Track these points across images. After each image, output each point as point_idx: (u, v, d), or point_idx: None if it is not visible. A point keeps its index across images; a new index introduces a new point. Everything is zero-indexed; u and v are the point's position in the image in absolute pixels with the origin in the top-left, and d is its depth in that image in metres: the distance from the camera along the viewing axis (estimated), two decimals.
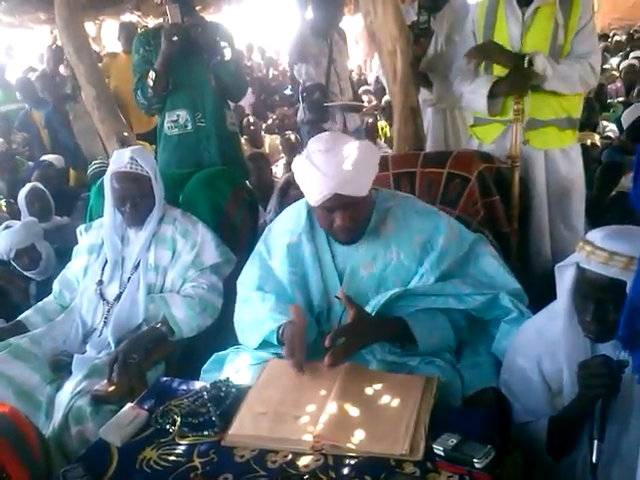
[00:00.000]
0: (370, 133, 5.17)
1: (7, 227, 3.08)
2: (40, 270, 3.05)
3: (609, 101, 6.17)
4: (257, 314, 1.86)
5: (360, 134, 3.96)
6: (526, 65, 2.30)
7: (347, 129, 4.02)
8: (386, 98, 5.56)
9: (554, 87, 2.36)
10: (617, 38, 9.73)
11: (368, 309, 1.74)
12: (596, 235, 1.48)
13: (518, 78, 2.33)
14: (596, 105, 5.09)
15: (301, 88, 3.89)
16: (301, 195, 1.88)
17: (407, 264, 1.81)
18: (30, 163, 4.62)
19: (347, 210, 1.74)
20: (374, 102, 6.55)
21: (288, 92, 8.09)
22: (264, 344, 1.84)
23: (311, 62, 3.76)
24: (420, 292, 1.78)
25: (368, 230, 1.83)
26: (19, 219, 3.67)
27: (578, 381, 1.46)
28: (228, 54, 2.74)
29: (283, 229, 1.96)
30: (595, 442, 1.42)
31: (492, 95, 2.40)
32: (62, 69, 5.76)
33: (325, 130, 4.09)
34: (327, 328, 1.82)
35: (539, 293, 2.32)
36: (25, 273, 3.07)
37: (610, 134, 5.03)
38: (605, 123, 5.25)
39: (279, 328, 1.76)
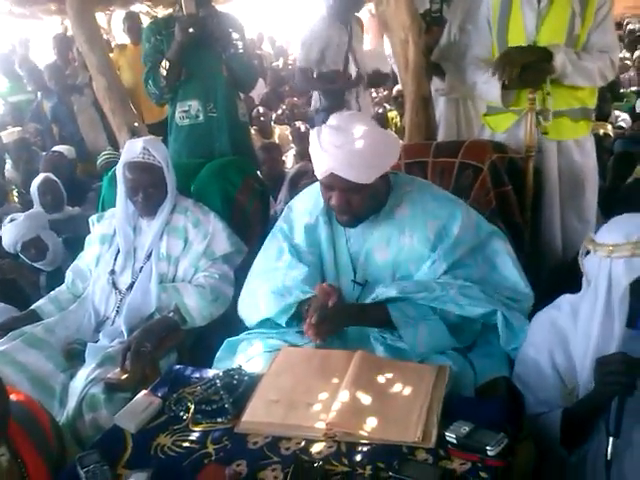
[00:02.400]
0: (380, 123, 5.14)
1: (12, 220, 3.07)
2: (48, 261, 3.06)
3: (622, 91, 6.10)
4: (283, 281, 1.84)
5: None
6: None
7: None
8: (397, 87, 5.53)
9: (573, 82, 2.33)
10: (630, 27, 9.61)
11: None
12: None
13: (534, 73, 2.30)
14: (608, 95, 5.04)
15: (316, 74, 3.86)
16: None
17: (420, 249, 1.79)
18: (44, 154, 4.63)
19: (344, 193, 1.72)
20: (385, 92, 6.52)
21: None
22: (265, 323, 1.86)
23: (330, 48, 3.74)
24: (418, 297, 1.74)
25: (383, 214, 1.82)
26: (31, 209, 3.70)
27: (595, 377, 1.44)
28: (240, 46, 2.74)
29: (303, 208, 1.95)
30: (610, 439, 1.40)
31: (506, 86, 2.37)
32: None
33: None
34: None
35: (550, 285, 2.32)
36: (34, 265, 3.07)
37: (622, 124, 4.98)
38: (617, 113, 5.20)
39: (303, 302, 1.77)
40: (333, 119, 1.74)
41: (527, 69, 2.29)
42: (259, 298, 1.90)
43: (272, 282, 1.87)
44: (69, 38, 5.83)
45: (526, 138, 2.37)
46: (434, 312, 1.74)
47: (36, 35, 8.21)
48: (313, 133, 1.73)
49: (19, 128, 5.04)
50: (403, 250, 1.80)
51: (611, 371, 1.40)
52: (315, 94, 4.16)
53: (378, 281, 1.80)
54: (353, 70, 3.80)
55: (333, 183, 1.72)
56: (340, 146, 1.67)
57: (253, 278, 1.99)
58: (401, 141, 3.77)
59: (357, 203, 1.75)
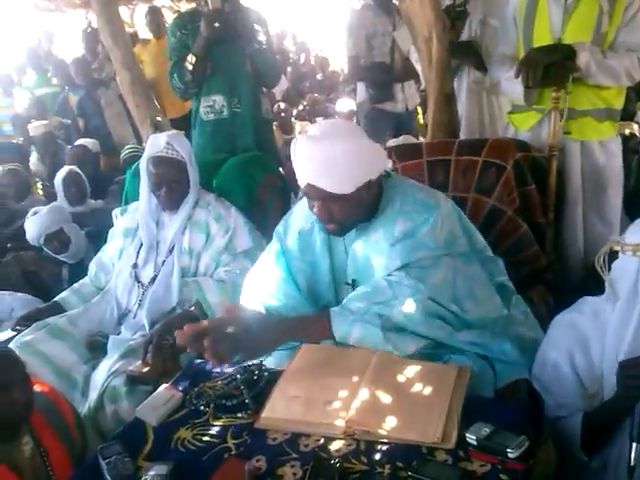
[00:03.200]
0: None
1: (35, 213, 3.11)
2: (71, 253, 3.09)
3: None
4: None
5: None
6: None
7: (408, 108, 3.94)
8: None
9: (598, 81, 2.29)
10: None
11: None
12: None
13: (557, 70, 2.26)
14: (632, 95, 4.95)
15: (363, 64, 3.81)
16: None
17: (382, 244, 1.73)
18: (68, 147, 4.68)
19: (324, 202, 1.67)
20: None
21: (319, 77, 8.05)
22: None
23: (376, 38, 3.70)
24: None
25: (377, 215, 1.77)
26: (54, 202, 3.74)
27: (617, 381, 1.43)
28: (264, 41, 2.74)
29: (300, 213, 1.93)
30: (634, 445, 1.37)
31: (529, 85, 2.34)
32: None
33: (385, 112, 4.04)
34: None
35: (572, 286, 2.29)
36: (57, 257, 3.11)
37: None
38: None
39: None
40: (313, 129, 1.69)
41: (550, 68, 2.26)
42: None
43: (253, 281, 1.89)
44: (97, 32, 5.88)
45: (549, 137, 2.34)
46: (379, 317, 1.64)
47: (61, 29, 8.30)
48: (292, 143, 1.70)
49: (46, 121, 5.09)
50: (371, 245, 1.75)
51: (634, 375, 1.39)
52: (360, 85, 4.10)
53: (361, 279, 1.77)
54: (398, 61, 3.76)
55: (312, 193, 1.68)
56: (311, 157, 1.63)
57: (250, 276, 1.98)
58: (423, 139, 3.75)
59: (339, 213, 1.69)
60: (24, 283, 3.05)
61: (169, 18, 6.17)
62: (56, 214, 3.11)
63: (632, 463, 1.38)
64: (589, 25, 2.30)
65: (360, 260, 1.79)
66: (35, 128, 4.94)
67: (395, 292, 1.63)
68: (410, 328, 1.63)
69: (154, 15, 5.52)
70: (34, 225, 3.06)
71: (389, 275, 1.68)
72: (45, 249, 3.11)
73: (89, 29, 5.90)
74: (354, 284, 1.80)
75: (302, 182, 1.68)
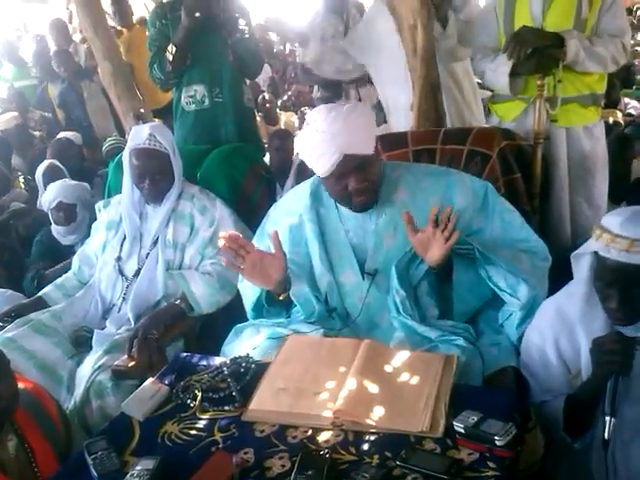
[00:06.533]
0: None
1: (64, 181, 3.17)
2: (68, 230, 3.05)
3: (638, 77, 6.02)
4: None
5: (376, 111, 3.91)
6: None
7: None
8: None
9: (586, 68, 2.31)
10: None
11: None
12: (613, 221, 1.44)
13: (545, 58, 2.27)
14: (616, 82, 4.98)
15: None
16: None
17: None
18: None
19: (359, 171, 1.75)
20: None
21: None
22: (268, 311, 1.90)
23: (327, 43, 3.71)
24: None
25: (381, 202, 1.83)
26: (37, 197, 3.70)
27: (591, 358, 1.45)
28: (246, 31, 2.71)
29: (287, 208, 1.98)
30: (607, 418, 1.41)
31: (514, 73, 2.34)
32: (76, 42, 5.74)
33: None
34: (337, 304, 1.84)
35: (558, 272, 2.30)
36: (53, 229, 3.10)
37: (632, 111, 4.93)
38: (627, 100, 5.14)
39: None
40: (317, 113, 1.80)
41: (537, 53, 2.26)
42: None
43: None
44: (64, 22, 5.81)
45: (535, 125, 2.35)
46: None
47: (41, 19, 8.18)
48: (307, 133, 1.77)
49: (15, 113, 5.01)
50: None
51: (606, 350, 1.41)
52: (315, 86, 4.16)
53: (387, 268, 1.79)
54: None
55: (347, 166, 1.73)
56: (343, 125, 1.71)
57: None
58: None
59: (372, 177, 1.79)
60: (6, 279, 3.02)
61: (152, 8, 6.07)
62: (80, 191, 3.13)
63: (606, 437, 1.41)
64: (569, 11, 2.31)
65: (388, 250, 1.82)
66: (6, 121, 4.86)
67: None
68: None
69: (119, 5, 5.32)
70: (55, 188, 3.07)
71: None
72: (50, 214, 3.10)
73: (55, 20, 5.80)
74: (376, 273, 1.83)
75: (334, 160, 1.72)
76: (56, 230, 3.08)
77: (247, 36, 2.75)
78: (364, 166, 1.75)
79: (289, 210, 1.96)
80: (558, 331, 1.60)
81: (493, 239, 1.81)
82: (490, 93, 2.80)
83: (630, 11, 9.39)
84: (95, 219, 2.52)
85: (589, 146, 2.46)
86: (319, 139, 1.73)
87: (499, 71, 2.37)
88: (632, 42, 6.92)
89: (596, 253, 1.47)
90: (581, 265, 1.54)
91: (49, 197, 3.07)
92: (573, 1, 2.30)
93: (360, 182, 1.76)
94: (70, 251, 2.87)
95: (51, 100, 5.25)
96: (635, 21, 8.79)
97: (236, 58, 2.76)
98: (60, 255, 2.95)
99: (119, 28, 5.22)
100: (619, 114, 4.34)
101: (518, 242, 1.82)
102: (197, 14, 2.64)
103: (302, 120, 5.08)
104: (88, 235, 2.54)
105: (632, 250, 1.38)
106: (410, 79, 2.67)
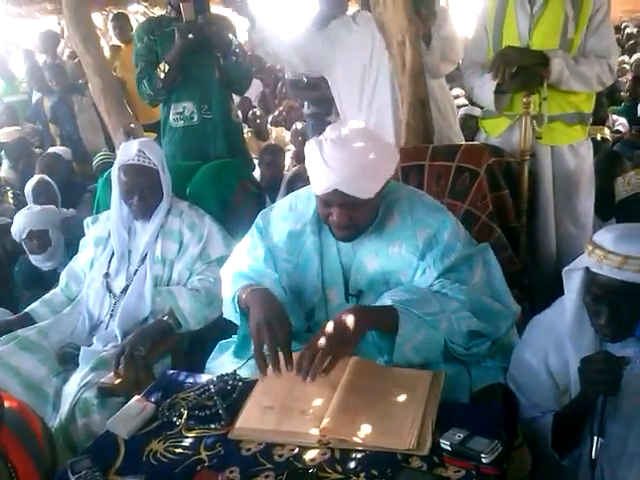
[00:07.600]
0: None
1: (29, 209, 3.13)
2: (45, 257, 3.05)
3: (622, 94, 6.10)
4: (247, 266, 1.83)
5: None
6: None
7: None
8: None
9: (570, 87, 2.33)
10: (628, 30, 9.62)
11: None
12: (606, 238, 1.44)
13: (529, 77, 2.29)
14: (604, 100, 5.03)
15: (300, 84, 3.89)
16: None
17: (408, 257, 1.74)
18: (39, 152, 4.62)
19: (345, 208, 1.65)
20: None
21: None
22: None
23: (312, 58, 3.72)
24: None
25: (374, 224, 1.77)
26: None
27: (580, 377, 1.45)
28: (240, 52, 2.76)
29: (288, 212, 1.88)
30: (595, 438, 1.41)
31: (499, 91, 2.36)
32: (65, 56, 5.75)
33: (329, 123, 4.09)
34: (321, 321, 1.75)
35: (545, 289, 2.31)
36: (31, 257, 3.08)
37: (620, 128, 4.98)
38: (615, 117, 5.19)
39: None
40: (332, 132, 1.65)
41: (522, 71, 2.29)
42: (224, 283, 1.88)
43: (236, 267, 1.85)
44: (54, 34, 5.81)
45: (521, 142, 2.37)
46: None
47: (32, 35, 8.19)
48: (312, 147, 1.66)
49: (18, 127, 5.01)
50: (392, 259, 1.75)
51: (594, 370, 1.41)
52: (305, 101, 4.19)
53: (371, 291, 1.77)
54: None
55: (334, 200, 1.65)
56: (346, 161, 1.59)
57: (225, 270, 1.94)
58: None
59: (358, 218, 1.69)
60: None
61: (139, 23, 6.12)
62: (48, 215, 3.11)
63: (593, 456, 1.41)
64: (555, 31, 2.34)
65: (372, 273, 1.77)
66: (7, 134, 4.86)
67: (443, 306, 1.64)
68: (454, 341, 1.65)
69: (119, 21, 5.43)
70: (23, 218, 3.05)
71: (431, 286, 1.70)
72: (23, 245, 3.08)
73: (45, 32, 5.82)
74: (359, 295, 1.78)
75: (327, 189, 1.62)
76: (34, 259, 3.07)
77: (241, 60, 2.79)
78: (353, 206, 1.64)
79: (291, 215, 1.87)
80: (547, 346, 1.60)
81: (474, 282, 1.73)
82: (480, 110, 2.84)
83: (618, 29, 9.52)
84: (71, 237, 2.50)
85: (574, 164, 2.47)
86: (318, 162, 1.63)
87: (485, 88, 2.40)
88: (619, 59, 7.00)
89: (587, 269, 1.48)
90: (572, 281, 1.53)
91: (18, 228, 3.04)
92: (559, 21, 2.33)
93: (342, 219, 1.67)
94: (54, 275, 2.81)
95: (45, 113, 5.26)
96: (622, 39, 8.91)
97: (224, 77, 2.79)
98: (45, 281, 2.93)
99: (118, 44, 5.26)
100: (607, 131, 4.38)
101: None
102: (190, 36, 2.68)
103: (295, 135, 5.09)
104: (67, 256, 2.54)
105: (624, 267, 1.38)
106: (365, 97, 2.74)
